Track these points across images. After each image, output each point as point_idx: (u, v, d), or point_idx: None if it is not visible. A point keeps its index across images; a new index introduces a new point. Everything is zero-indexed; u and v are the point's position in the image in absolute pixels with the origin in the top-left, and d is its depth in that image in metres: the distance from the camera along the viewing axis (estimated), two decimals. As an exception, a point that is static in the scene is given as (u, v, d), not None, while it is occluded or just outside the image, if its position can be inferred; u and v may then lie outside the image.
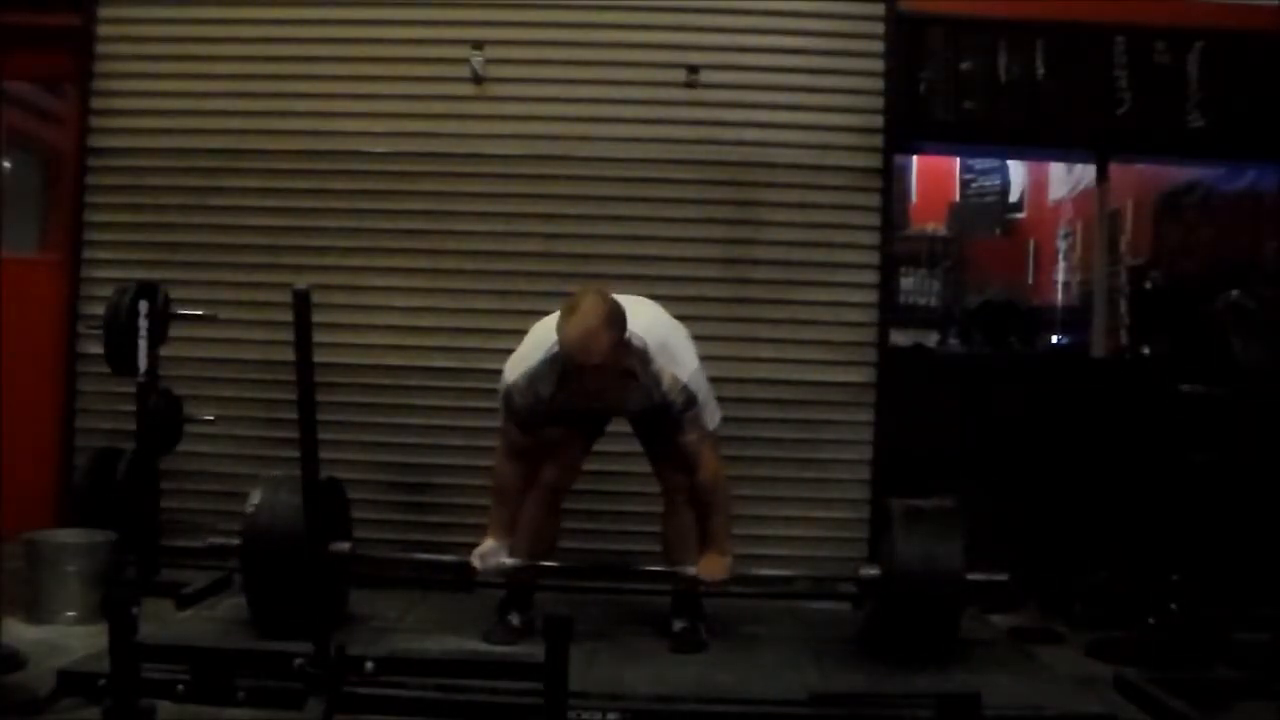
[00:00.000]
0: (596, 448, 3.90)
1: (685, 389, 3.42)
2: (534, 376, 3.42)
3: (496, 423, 4.28)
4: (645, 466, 3.79)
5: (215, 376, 4.74)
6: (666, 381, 3.41)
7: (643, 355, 3.39)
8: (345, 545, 3.59)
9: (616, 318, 3.30)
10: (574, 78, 4.79)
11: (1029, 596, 4.62)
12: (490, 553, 3.51)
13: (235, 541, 3.54)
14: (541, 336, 3.44)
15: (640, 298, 3.65)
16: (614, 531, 4.56)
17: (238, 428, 4.70)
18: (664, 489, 3.69)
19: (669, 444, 3.54)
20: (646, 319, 3.47)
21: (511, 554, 3.65)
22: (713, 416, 3.52)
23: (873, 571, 3.56)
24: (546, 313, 3.63)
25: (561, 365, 3.38)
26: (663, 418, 3.50)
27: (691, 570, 3.54)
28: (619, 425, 3.79)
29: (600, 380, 3.35)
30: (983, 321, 5.94)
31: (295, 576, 3.24)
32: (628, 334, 3.34)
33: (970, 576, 3.42)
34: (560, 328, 3.29)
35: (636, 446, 3.78)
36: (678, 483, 3.60)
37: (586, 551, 4.54)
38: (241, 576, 3.58)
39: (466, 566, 3.55)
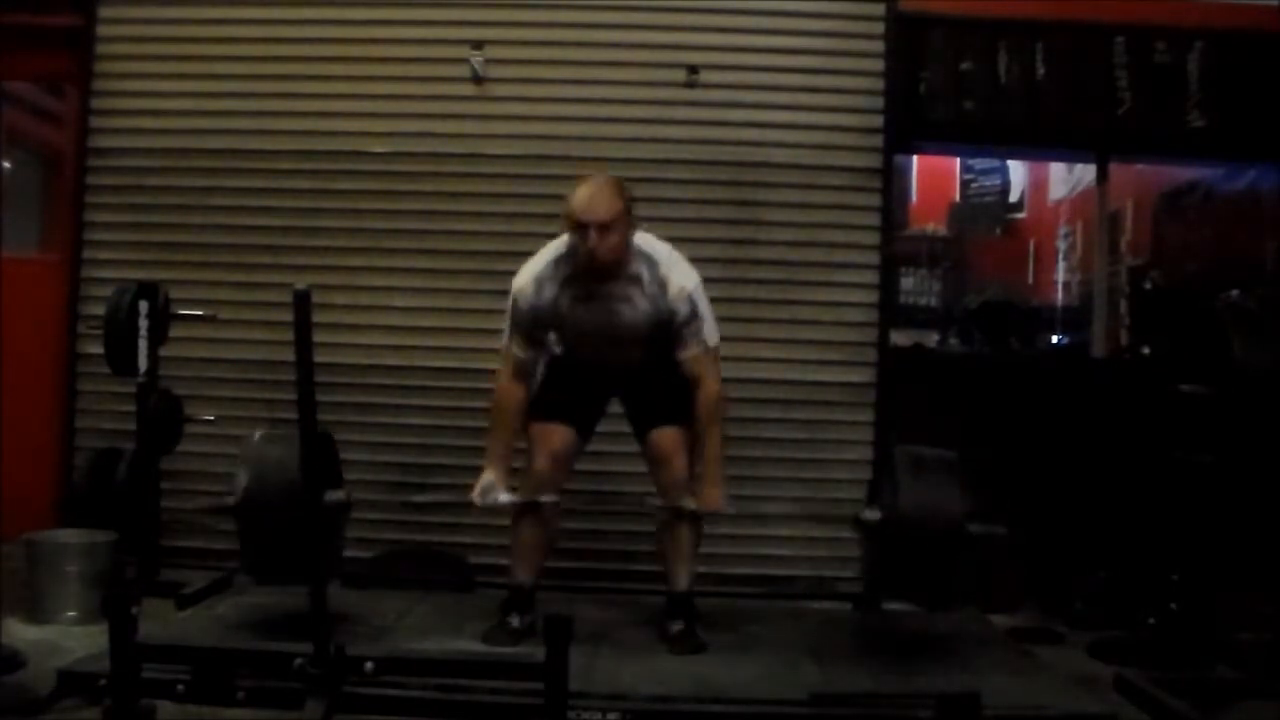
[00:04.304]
0: (597, 448, 3.90)
1: (690, 297, 3.48)
2: (540, 277, 3.50)
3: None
4: (645, 466, 3.79)
5: (215, 376, 4.74)
6: (673, 289, 3.47)
7: (649, 259, 3.48)
8: (340, 494, 3.56)
9: (625, 190, 3.45)
10: (574, 78, 4.79)
11: (1029, 596, 4.63)
12: (489, 488, 3.50)
13: (230, 501, 3.46)
14: (553, 245, 3.55)
15: None
16: (614, 532, 4.56)
17: (238, 428, 4.69)
18: (658, 488, 3.66)
19: (665, 418, 3.57)
20: (651, 238, 3.57)
21: (513, 562, 3.66)
22: (713, 332, 3.56)
23: (874, 515, 3.50)
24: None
25: (568, 267, 3.46)
26: (661, 378, 3.54)
27: (690, 505, 3.53)
28: (619, 424, 3.78)
29: (606, 264, 3.40)
30: (983, 321, 5.94)
31: (292, 532, 3.14)
32: (635, 238, 3.46)
33: (972, 528, 3.34)
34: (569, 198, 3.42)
35: (636, 446, 3.77)
36: (675, 480, 3.59)
37: (586, 551, 4.56)
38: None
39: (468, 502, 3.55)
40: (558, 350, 3.70)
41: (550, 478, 3.62)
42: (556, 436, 3.62)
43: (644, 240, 3.53)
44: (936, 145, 5.86)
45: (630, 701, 2.97)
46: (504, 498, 3.53)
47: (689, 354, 3.52)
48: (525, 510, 3.61)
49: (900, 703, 3.01)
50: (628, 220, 3.44)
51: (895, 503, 3.33)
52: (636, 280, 3.48)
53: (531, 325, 3.55)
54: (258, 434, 3.49)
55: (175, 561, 4.49)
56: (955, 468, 3.40)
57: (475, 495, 3.52)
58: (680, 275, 3.51)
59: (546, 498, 3.57)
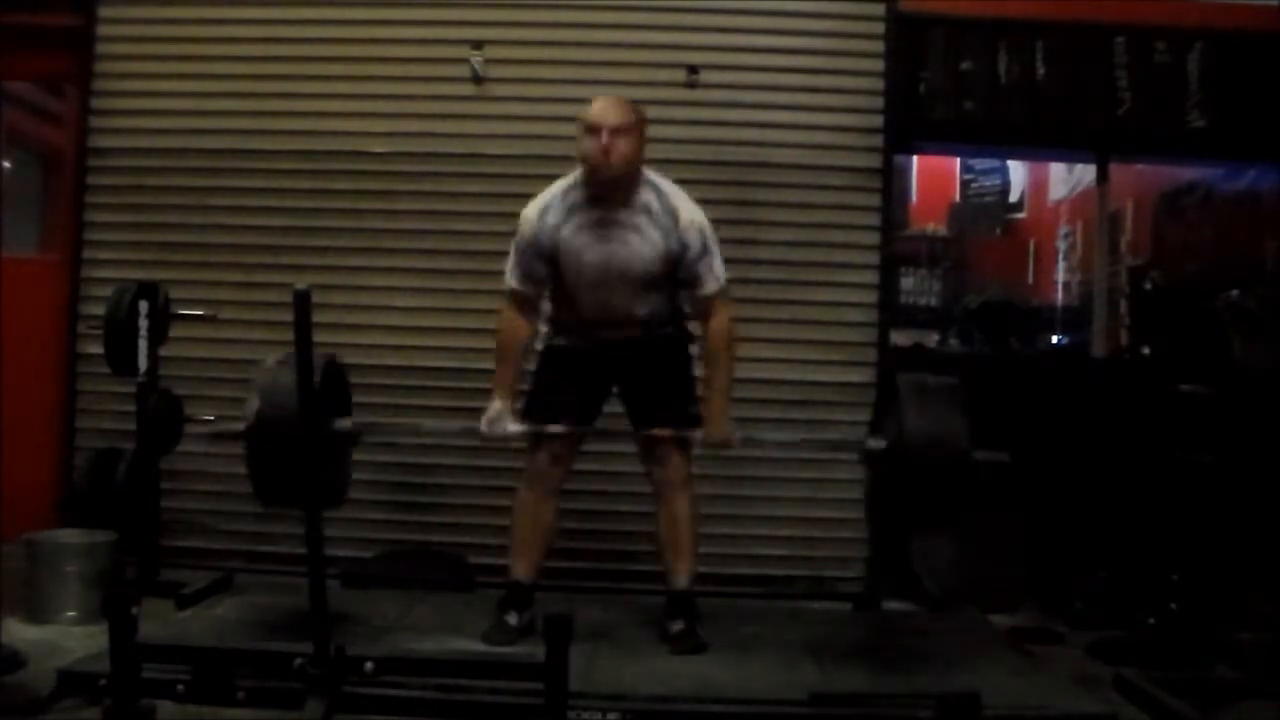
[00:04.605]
0: (597, 447, 3.90)
1: (701, 229, 3.45)
2: (547, 205, 3.48)
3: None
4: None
5: (215, 376, 4.73)
6: (684, 219, 3.44)
7: (658, 189, 3.47)
8: (347, 422, 3.54)
9: (640, 109, 3.49)
10: (574, 78, 4.78)
11: (1029, 596, 4.63)
12: (497, 417, 3.51)
13: (239, 427, 3.41)
14: (563, 179, 3.56)
15: None
16: (614, 532, 4.56)
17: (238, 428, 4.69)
18: (655, 489, 3.65)
19: (665, 418, 3.55)
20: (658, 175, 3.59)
21: (512, 559, 3.65)
22: (723, 271, 3.55)
23: (878, 443, 3.45)
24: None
25: (578, 196, 3.46)
26: (661, 374, 3.55)
27: (698, 434, 3.54)
28: (618, 423, 3.77)
29: (616, 173, 3.39)
30: (983, 321, 5.94)
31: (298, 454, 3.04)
32: (645, 170, 3.47)
33: (976, 454, 3.29)
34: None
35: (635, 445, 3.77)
36: (672, 479, 3.59)
37: (586, 551, 4.55)
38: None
39: (475, 431, 3.57)
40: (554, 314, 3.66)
41: (550, 474, 3.62)
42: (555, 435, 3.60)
43: (651, 174, 3.51)
44: (936, 145, 5.86)
45: (630, 701, 2.97)
46: (512, 427, 3.53)
47: (705, 291, 3.50)
48: (530, 468, 3.60)
49: (900, 703, 3.02)
50: (640, 135, 3.44)
51: (899, 430, 3.27)
52: (646, 210, 3.44)
53: (534, 255, 3.50)
54: (271, 359, 3.40)
55: (175, 561, 4.49)
56: (958, 394, 3.36)
57: (484, 424, 3.52)
58: (690, 208, 3.49)
59: (554, 428, 3.54)
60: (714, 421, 3.55)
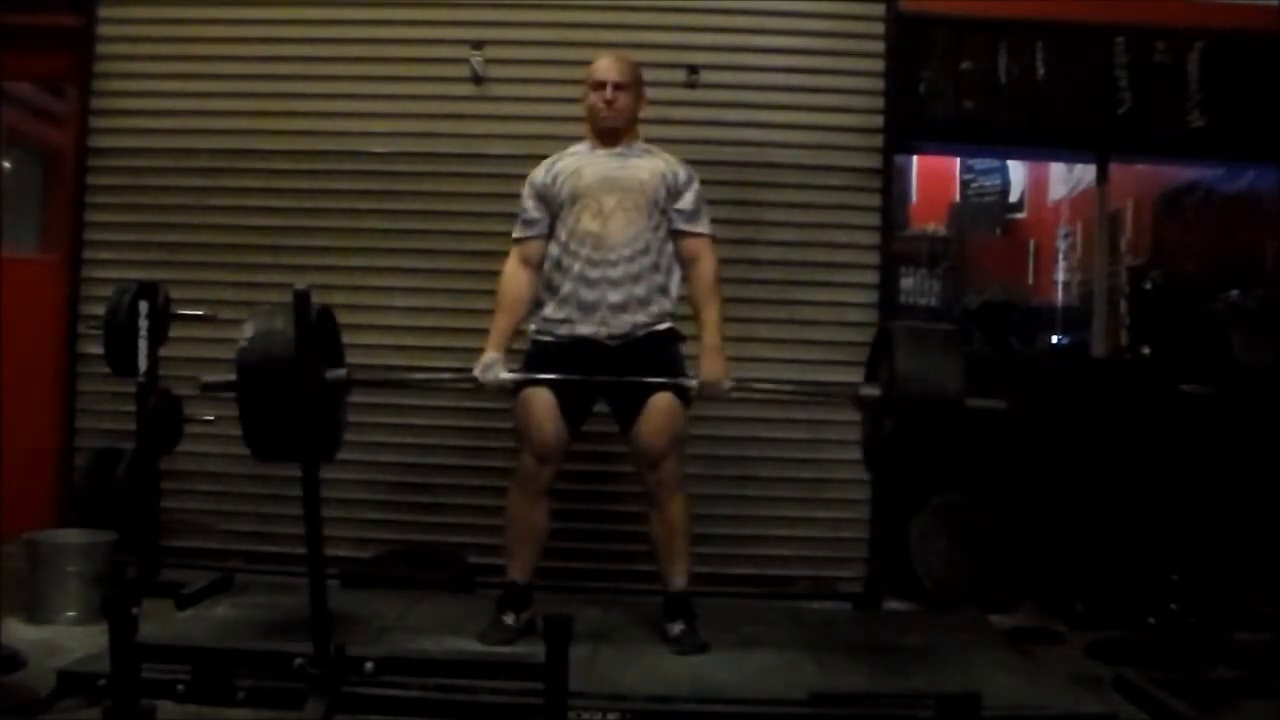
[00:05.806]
0: (595, 447, 3.88)
1: (695, 179, 3.71)
2: (547, 163, 3.73)
3: (495, 422, 4.32)
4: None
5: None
6: (684, 167, 3.71)
7: (654, 147, 3.76)
8: (341, 372, 3.50)
9: (637, 68, 3.76)
10: (574, 78, 4.75)
11: (1029, 596, 4.63)
12: (490, 365, 3.57)
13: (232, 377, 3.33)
14: None
15: None
16: (614, 532, 4.56)
17: (238, 428, 4.68)
18: (649, 492, 3.62)
19: (655, 407, 3.53)
20: None
21: (508, 561, 3.65)
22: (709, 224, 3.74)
23: (873, 391, 3.37)
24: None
25: (575, 149, 3.72)
26: (649, 362, 3.55)
27: (693, 382, 3.56)
28: (610, 424, 3.76)
29: (615, 124, 3.66)
30: (983, 321, 5.94)
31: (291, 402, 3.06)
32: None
33: (970, 402, 3.20)
34: None
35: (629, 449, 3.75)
36: (664, 480, 3.55)
37: (586, 551, 4.56)
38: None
39: (470, 379, 3.61)
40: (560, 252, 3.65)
41: (538, 476, 3.58)
42: (543, 397, 3.55)
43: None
44: (936, 145, 5.87)
45: (630, 701, 2.97)
46: (505, 375, 3.58)
47: (699, 228, 3.67)
48: (522, 423, 3.58)
49: (900, 703, 3.01)
50: (639, 95, 3.73)
51: (893, 378, 3.21)
52: (645, 152, 3.72)
53: (530, 195, 3.69)
54: (267, 306, 3.33)
55: (175, 561, 4.49)
56: (953, 341, 3.32)
57: (478, 371, 3.57)
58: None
59: (544, 375, 3.57)
60: (707, 360, 3.60)
